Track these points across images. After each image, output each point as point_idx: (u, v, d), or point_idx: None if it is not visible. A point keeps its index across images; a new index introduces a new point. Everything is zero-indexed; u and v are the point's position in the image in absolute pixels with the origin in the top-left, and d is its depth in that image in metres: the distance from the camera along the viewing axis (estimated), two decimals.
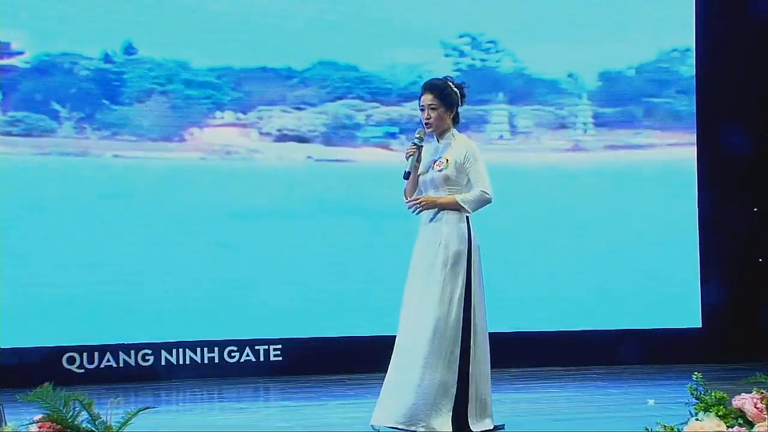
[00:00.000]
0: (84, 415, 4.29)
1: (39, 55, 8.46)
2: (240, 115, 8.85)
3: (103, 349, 8.52)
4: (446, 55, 9.05)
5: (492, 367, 6.04)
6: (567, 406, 7.39)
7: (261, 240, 8.79)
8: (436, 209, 6.02)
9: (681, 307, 9.36)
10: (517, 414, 6.82)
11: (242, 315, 8.76)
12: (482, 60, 9.14)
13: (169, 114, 8.72)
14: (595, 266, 9.24)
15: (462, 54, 9.09)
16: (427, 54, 9.01)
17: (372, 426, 5.96)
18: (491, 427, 5.97)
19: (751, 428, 4.48)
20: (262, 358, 8.81)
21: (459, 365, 5.87)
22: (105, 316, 8.52)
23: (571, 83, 9.30)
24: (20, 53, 8.40)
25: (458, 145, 6.04)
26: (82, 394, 4.33)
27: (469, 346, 5.89)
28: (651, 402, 6.92)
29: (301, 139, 8.94)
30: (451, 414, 5.85)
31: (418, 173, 6.08)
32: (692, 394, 4.60)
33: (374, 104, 9.02)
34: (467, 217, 6.00)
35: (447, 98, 6.01)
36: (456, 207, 5.98)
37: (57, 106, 8.50)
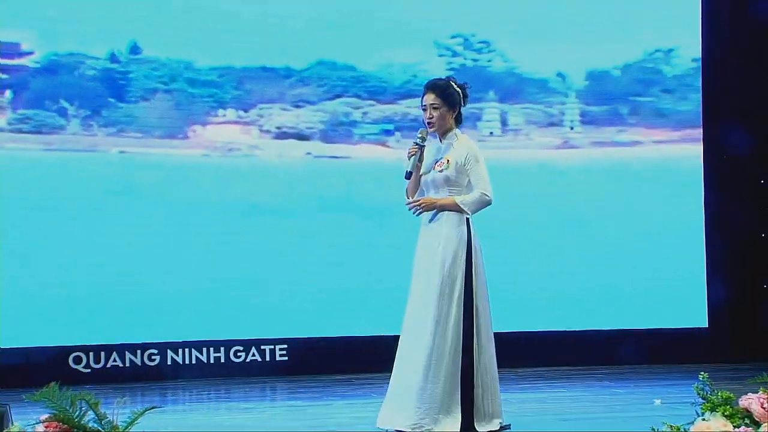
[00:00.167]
0: (90, 414, 4.28)
1: (48, 55, 8.59)
2: (241, 112, 8.96)
3: (109, 349, 8.53)
4: (440, 55, 9.16)
5: (498, 367, 6.03)
6: (573, 406, 7.35)
7: (264, 238, 8.84)
8: (437, 210, 6.02)
9: (687, 306, 9.32)
10: (524, 414, 6.79)
11: (248, 314, 8.76)
12: (474, 60, 9.24)
13: (173, 112, 8.83)
14: (600, 266, 9.21)
15: (455, 54, 9.20)
16: (422, 54, 9.11)
17: (378, 428, 5.97)
18: (497, 428, 5.95)
19: (758, 428, 4.45)
20: (268, 358, 8.78)
21: (463, 366, 5.85)
22: (111, 316, 8.55)
23: (559, 82, 9.41)
24: (30, 53, 8.55)
25: (460, 145, 6.06)
26: (89, 393, 4.33)
27: (473, 347, 5.87)
28: (657, 402, 6.93)
29: (300, 137, 9.03)
30: (456, 416, 5.85)
31: (420, 173, 6.09)
32: (699, 393, 4.59)
33: (370, 102, 9.12)
34: (467, 218, 5.99)
35: (449, 98, 6.07)
36: (456, 208, 5.98)
37: (65, 104, 8.63)
